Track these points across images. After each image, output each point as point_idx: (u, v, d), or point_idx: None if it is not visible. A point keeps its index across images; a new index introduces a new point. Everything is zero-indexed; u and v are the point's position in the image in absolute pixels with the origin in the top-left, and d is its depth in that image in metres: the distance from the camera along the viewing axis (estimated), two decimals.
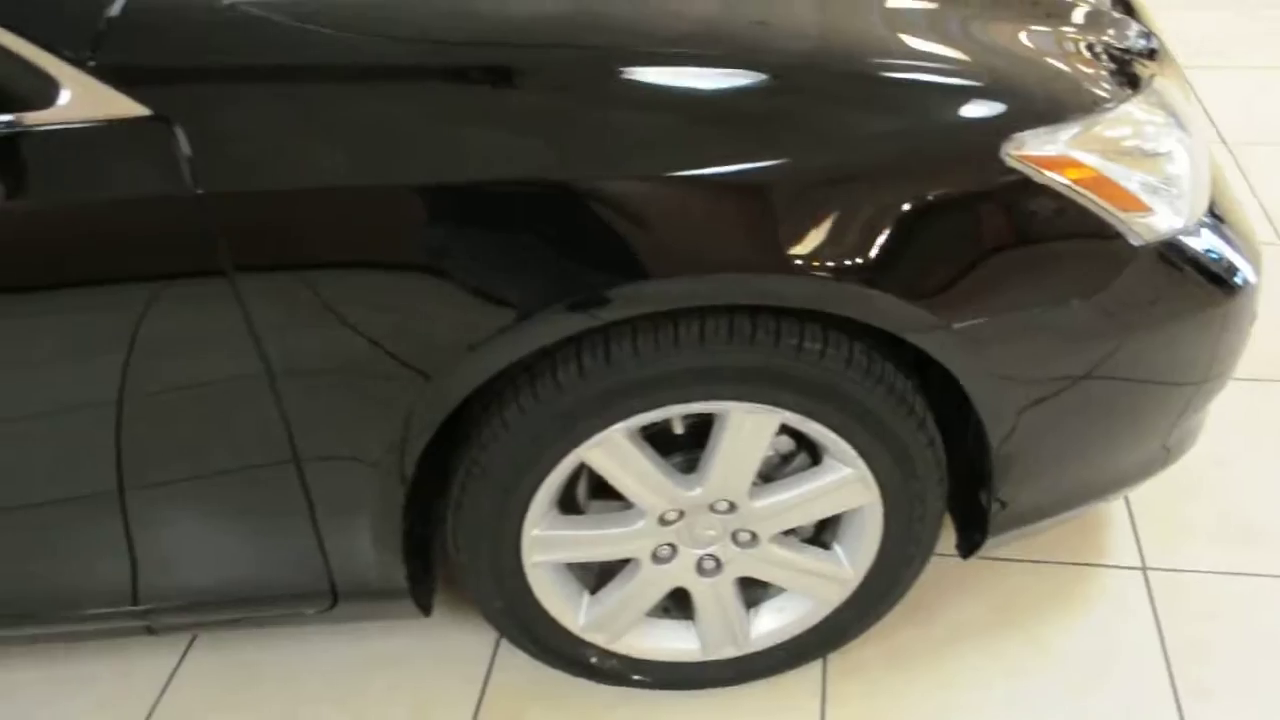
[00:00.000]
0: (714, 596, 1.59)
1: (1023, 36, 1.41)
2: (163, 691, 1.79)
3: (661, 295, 1.26)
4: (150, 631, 1.68)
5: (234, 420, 1.33)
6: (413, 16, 1.27)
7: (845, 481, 1.47)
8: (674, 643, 1.66)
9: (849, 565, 1.58)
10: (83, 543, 1.46)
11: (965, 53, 1.34)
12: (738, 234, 1.24)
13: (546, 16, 1.29)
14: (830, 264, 1.24)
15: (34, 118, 1.18)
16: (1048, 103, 1.30)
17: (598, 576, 1.64)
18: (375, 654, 1.81)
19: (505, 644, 1.79)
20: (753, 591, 1.64)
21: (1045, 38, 1.43)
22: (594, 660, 1.65)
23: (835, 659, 1.74)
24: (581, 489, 1.56)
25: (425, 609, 1.59)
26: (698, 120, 1.24)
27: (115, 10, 1.20)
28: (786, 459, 1.55)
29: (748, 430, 1.41)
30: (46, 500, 1.41)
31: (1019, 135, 1.28)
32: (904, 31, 1.36)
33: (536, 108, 1.22)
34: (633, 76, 1.24)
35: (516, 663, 1.76)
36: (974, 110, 1.28)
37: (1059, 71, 1.35)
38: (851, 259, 1.24)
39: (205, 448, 1.36)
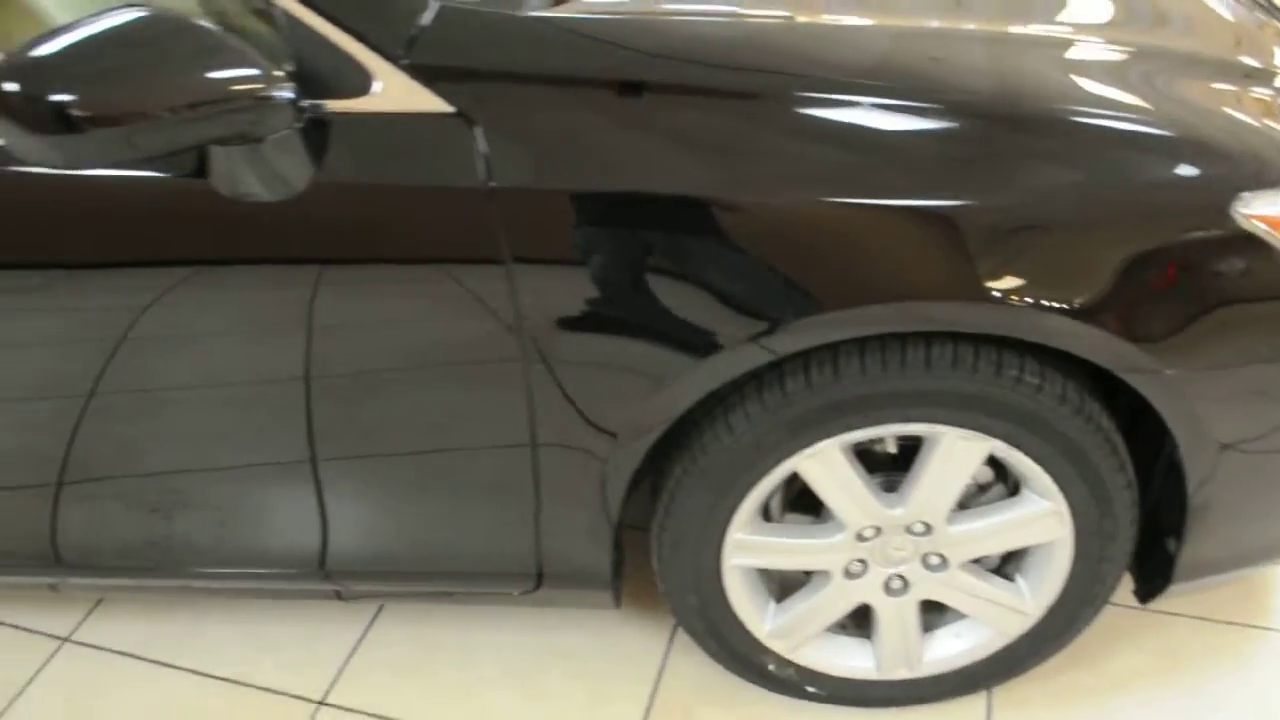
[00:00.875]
0: (896, 616, 1.64)
1: (1232, 96, 1.46)
2: (349, 657, 1.88)
3: (885, 319, 1.33)
4: (339, 597, 1.78)
5: (483, 400, 1.42)
6: (685, 37, 1.37)
7: (1041, 515, 1.52)
8: (850, 659, 1.71)
9: (1031, 599, 1.63)
10: (311, 503, 1.57)
11: (1188, 109, 1.39)
12: (968, 264, 1.30)
13: (769, 45, 1.37)
14: (1053, 299, 1.30)
15: (347, 105, 1.30)
16: (1274, 165, 1.35)
17: (780, 586, 1.70)
18: (551, 645, 1.88)
19: (677, 646, 1.86)
20: (930, 616, 1.69)
21: (1254, 101, 1.48)
22: (771, 668, 1.71)
23: (1000, 692, 1.78)
24: (776, 500, 1.63)
25: (617, 600, 1.66)
26: (930, 151, 1.31)
27: (429, 17, 1.31)
28: (983, 488, 1.60)
29: (957, 455, 1.47)
30: (294, 459, 1.52)
31: (1247, 195, 1.33)
32: (1110, 79, 1.41)
33: (777, 130, 1.30)
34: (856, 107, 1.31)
35: (688, 665, 1.83)
36: (1206, 167, 1.33)
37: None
38: (1075, 296, 1.30)
39: (448, 424, 1.46)
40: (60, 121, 1.15)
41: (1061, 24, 1.54)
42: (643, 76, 1.31)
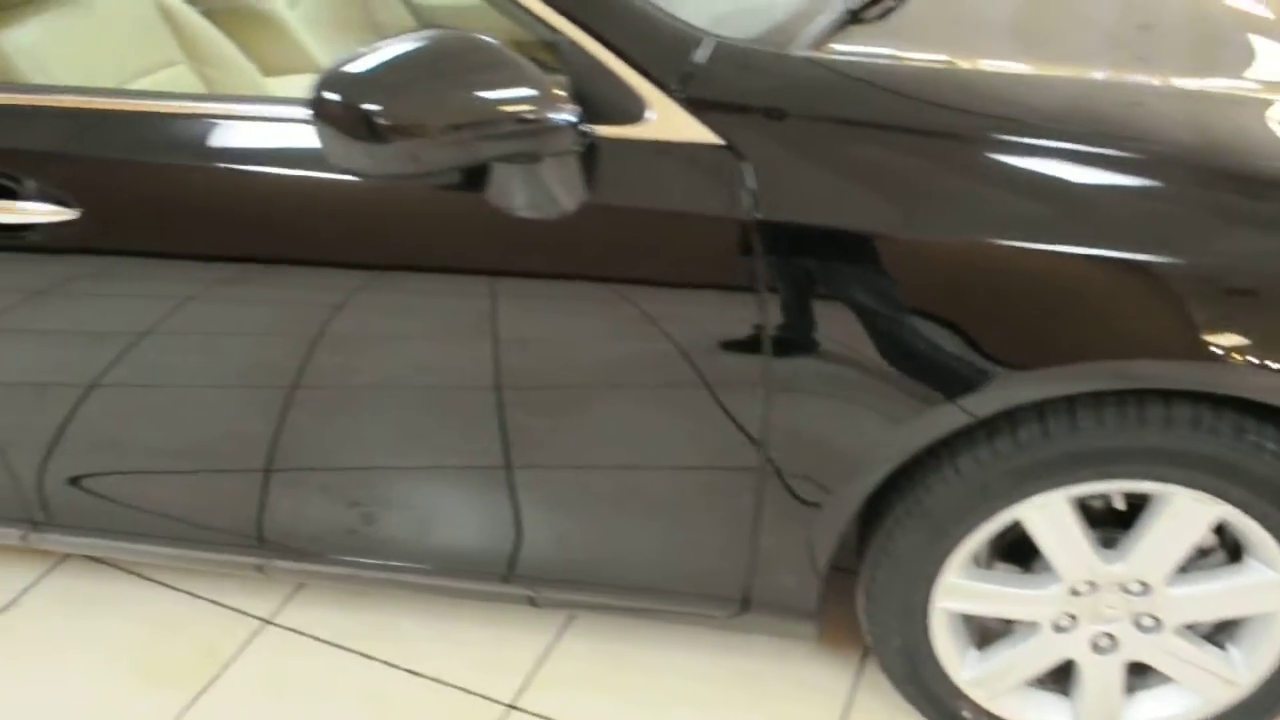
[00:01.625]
0: (1101, 675, 1.63)
1: None
2: (539, 664, 1.93)
3: (1101, 376, 1.33)
4: (532, 603, 1.83)
5: (717, 422, 1.46)
6: (955, 85, 1.40)
7: (1266, 585, 1.50)
8: (1046, 714, 1.70)
9: (1244, 670, 1.60)
10: (521, 508, 1.63)
11: None
12: (1186, 321, 1.29)
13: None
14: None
15: (620, 131, 1.36)
16: None
17: (980, 634, 1.70)
18: (736, 669, 1.91)
19: (864, 683, 1.86)
20: (1133, 677, 1.67)
21: None
22: (966, 715, 1.70)
23: None
24: (986, 546, 1.63)
25: (819, 632, 1.68)
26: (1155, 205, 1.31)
27: (704, 52, 1.37)
28: (1204, 552, 1.58)
29: (1187, 517, 1.45)
30: (517, 464, 1.58)
31: None
32: None
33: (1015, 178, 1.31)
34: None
35: (875, 703, 1.83)
36: None
37: None
38: None
39: (674, 442, 1.50)
40: (369, 129, 1.22)
41: (1252, 79, 1.52)
42: (908, 121, 1.34)
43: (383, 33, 2.56)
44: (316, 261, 1.50)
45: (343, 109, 1.23)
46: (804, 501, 1.49)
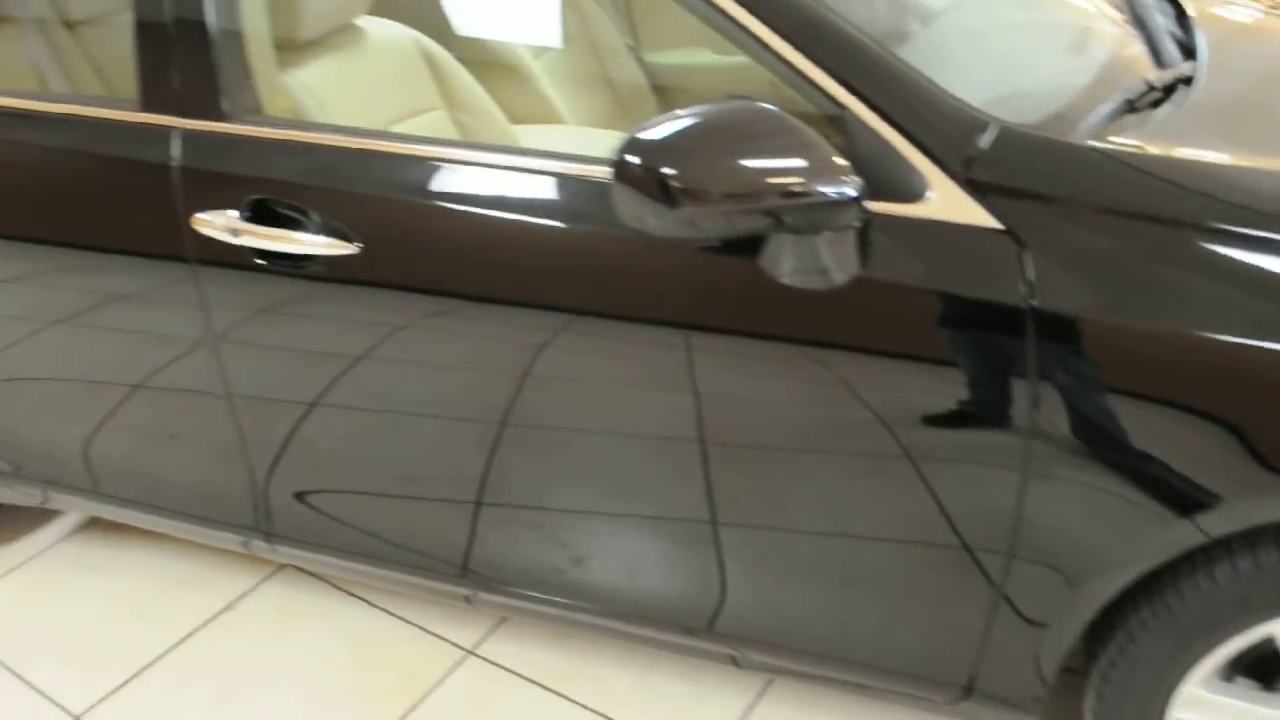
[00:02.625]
0: None
1: None
2: None
3: None
4: (734, 663, 1.83)
5: (970, 500, 1.44)
6: (1237, 181, 1.37)
7: None
8: None
9: None
10: (729, 565, 1.64)
11: None
12: None
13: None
14: None
15: (898, 209, 1.37)
16: None
17: None
18: None
19: None
20: None
21: None
22: None
23: None
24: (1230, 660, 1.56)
25: None
26: None
27: (989, 136, 1.37)
28: None
29: None
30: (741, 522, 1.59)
31: None
32: None
33: None
34: None
35: None
36: None
37: None
38: None
39: (921, 519, 1.49)
40: (663, 192, 1.26)
41: None
42: (1195, 218, 1.31)
43: (617, 90, 2.66)
44: (541, 305, 1.55)
45: (641, 171, 1.26)
46: (1047, 593, 1.46)
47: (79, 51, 2.48)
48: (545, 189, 1.54)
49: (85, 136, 1.76)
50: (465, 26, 2.32)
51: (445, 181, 1.56)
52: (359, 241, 1.58)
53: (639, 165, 1.27)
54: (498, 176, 1.56)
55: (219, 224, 1.64)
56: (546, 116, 2.47)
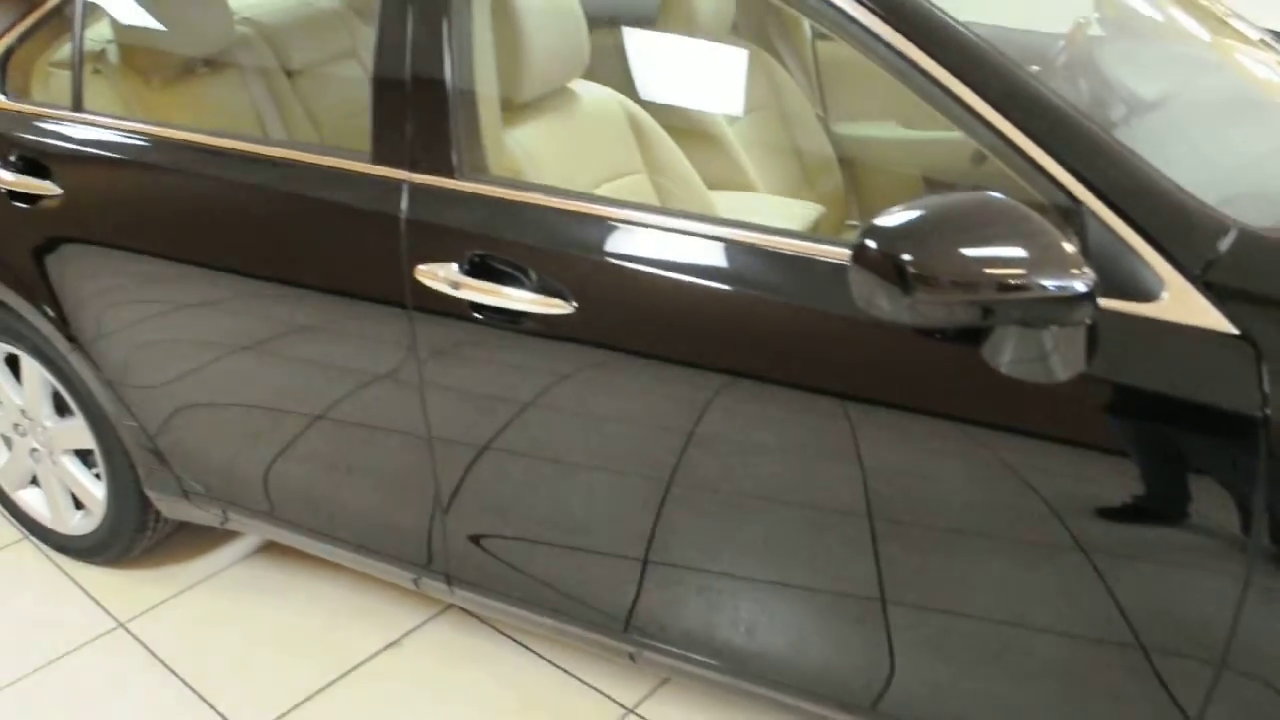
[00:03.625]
0: None
1: None
2: None
3: None
4: None
5: (1180, 607, 1.40)
6: None
7: None
8: None
9: None
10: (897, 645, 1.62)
11: None
12: None
13: None
14: None
15: (1130, 307, 1.34)
16: None
17: None
18: None
19: None
20: None
21: None
22: None
23: None
24: None
25: None
26: None
27: (1229, 240, 1.34)
28: None
29: None
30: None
31: None
32: None
33: None
34: None
35: None
36: None
37: None
38: None
39: (1130, 618, 1.44)
40: (900, 277, 1.26)
41: None
42: None
43: (804, 159, 2.68)
44: (736, 371, 1.56)
45: (878, 256, 1.27)
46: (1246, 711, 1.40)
47: (295, 98, 2.62)
48: (751, 259, 1.55)
49: (317, 183, 1.85)
50: (665, 93, 2.37)
51: (660, 248, 1.59)
52: (574, 301, 1.62)
53: (876, 250, 1.28)
54: (709, 245, 1.58)
55: (440, 276, 1.70)
56: (739, 183, 2.51)
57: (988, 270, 1.28)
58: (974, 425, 1.43)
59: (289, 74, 2.66)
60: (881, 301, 1.30)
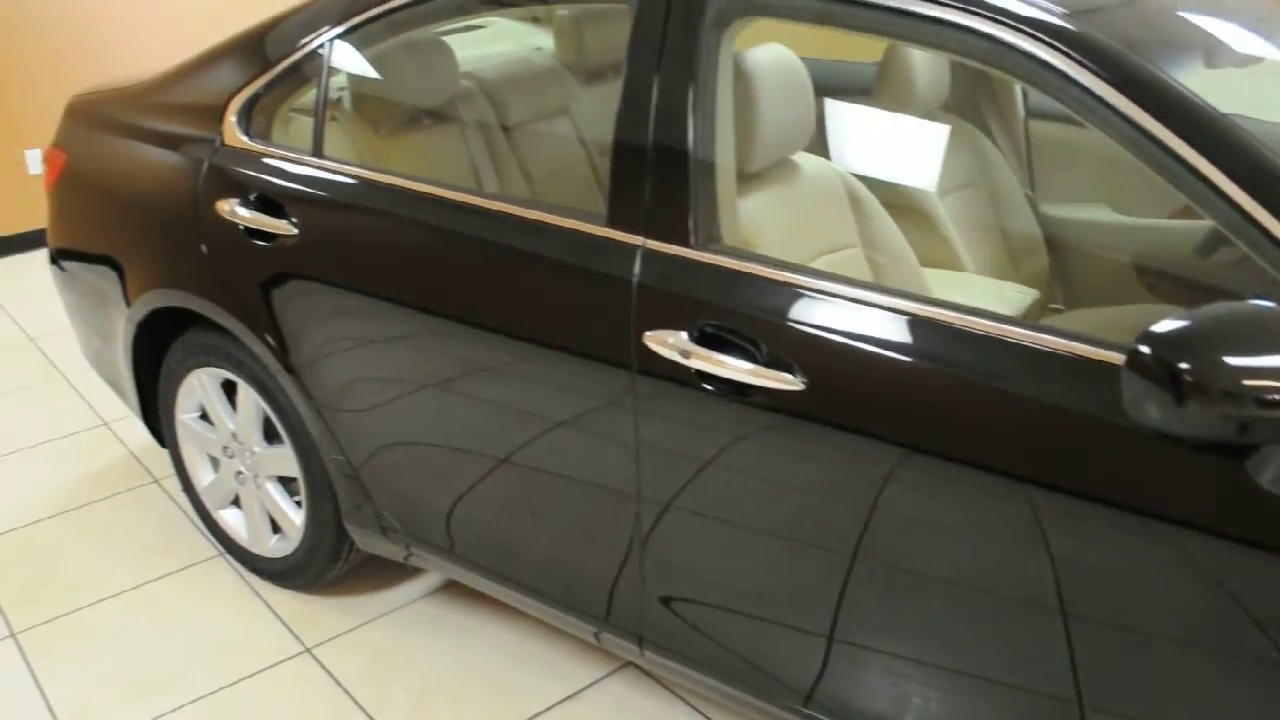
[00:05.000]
0: None
1: None
2: None
3: None
4: None
5: None
6: None
7: None
8: None
9: None
10: None
11: None
12: None
13: None
14: None
15: None
16: None
17: None
18: None
19: None
20: None
21: None
22: None
23: None
24: None
25: None
26: None
27: None
28: None
29: None
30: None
31: None
32: None
33: None
34: None
35: None
36: None
37: None
38: None
39: None
40: (1174, 385, 1.23)
41: None
42: None
43: (1010, 239, 2.63)
44: (944, 454, 1.54)
45: (1152, 362, 1.24)
46: None
47: (510, 152, 2.70)
48: (979, 346, 1.53)
49: (548, 241, 1.89)
50: (879, 166, 2.37)
51: (892, 329, 1.58)
52: (803, 377, 1.62)
53: (1151, 356, 1.24)
54: (938, 329, 1.56)
55: (670, 343, 1.72)
56: (947, 261, 2.48)
57: (1263, 383, 1.23)
58: (1191, 529, 1.38)
59: (505, 128, 2.74)
60: (1151, 409, 1.26)
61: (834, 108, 2.30)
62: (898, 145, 2.43)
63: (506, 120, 2.75)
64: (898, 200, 2.37)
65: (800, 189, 2.10)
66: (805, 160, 2.17)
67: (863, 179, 2.29)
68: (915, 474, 1.58)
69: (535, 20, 3.21)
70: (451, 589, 2.75)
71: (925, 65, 2.53)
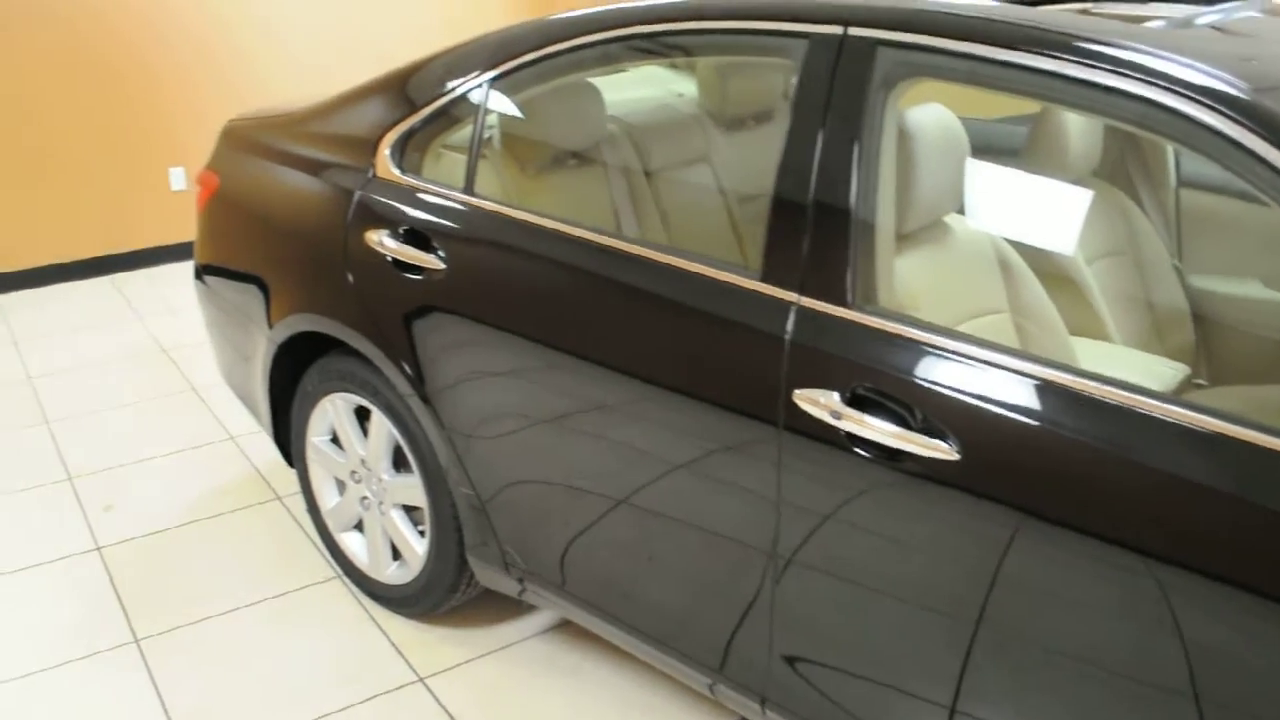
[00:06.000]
0: None
1: None
2: None
3: None
4: None
5: None
6: None
7: None
8: None
9: None
10: None
11: None
12: None
13: None
14: None
15: None
16: None
17: None
18: None
19: None
20: None
21: None
22: None
23: None
24: None
25: None
26: None
27: None
28: None
29: None
30: None
31: None
32: None
33: None
34: None
35: None
36: None
37: None
38: None
39: None
40: None
41: None
42: None
43: (1155, 311, 2.55)
44: (1099, 534, 1.49)
45: None
46: None
47: (650, 196, 2.71)
48: (1139, 426, 1.48)
49: (698, 292, 1.89)
50: (1027, 231, 2.32)
51: (1053, 402, 1.54)
52: (958, 447, 1.59)
53: None
54: (1097, 405, 1.52)
55: (821, 403, 1.70)
56: (1093, 330, 2.42)
57: None
58: None
59: (646, 173, 2.76)
60: None
61: (985, 169, 2.27)
62: (1047, 209, 2.39)
63: (648, 165, 2.77)
64: (1044, 265, 2.32)
65: (951, 250, 2.07)
66: (955, 221, 2.14)
67: (1011, 242, 2.25)
68: (1063, 551, 1.53)
69: (674, 66, 3.24)
70: (564, 629, 2.75)
71: (1079, 129, 2.49)
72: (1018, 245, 2.25)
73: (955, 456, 1.59)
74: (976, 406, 1.59)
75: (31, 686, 2.59)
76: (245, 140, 2.94)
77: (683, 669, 2.18)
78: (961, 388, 1.60)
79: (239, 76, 5.81)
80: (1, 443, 3.84)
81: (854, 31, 1.78)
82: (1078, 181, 2.55)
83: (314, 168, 2.63)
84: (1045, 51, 1.60)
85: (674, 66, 3.24)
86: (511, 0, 6.53)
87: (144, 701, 2.52)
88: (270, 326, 2.74)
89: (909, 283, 1.94)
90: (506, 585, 2.50)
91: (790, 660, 1.95)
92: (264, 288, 2.75)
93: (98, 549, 3.16)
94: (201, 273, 3.06)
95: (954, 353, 1.64)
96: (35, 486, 3.53)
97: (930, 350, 1.65)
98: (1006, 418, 1.56)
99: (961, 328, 2.03)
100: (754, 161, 2.93)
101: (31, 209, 5.42)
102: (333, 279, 2.51)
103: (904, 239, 1.97)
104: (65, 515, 3.35)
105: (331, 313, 2.53)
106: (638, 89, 3.07)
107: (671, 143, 2.85)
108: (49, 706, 2.52)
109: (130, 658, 2.68)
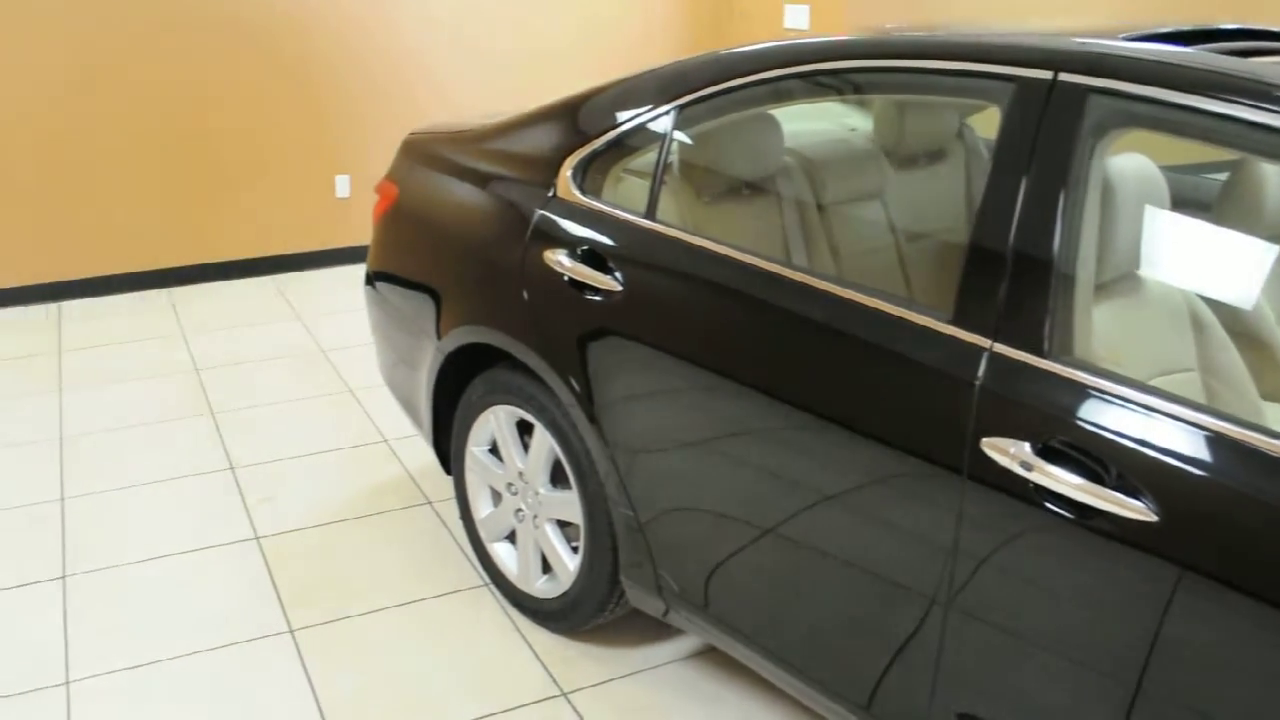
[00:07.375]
0: None
1: None
2: None
3: None
4: None
5: None
6: None
7: None
8: None
9: None
10: None
11: None
12: None
13: None
14: None
15: None
16: None
17: None
18: None
19: None
20: None
21: None
22: None
23: None
24: None
25: None
26: None
27: None
28: None
29: None
30: None
31: None
32: None
33: None
34: None
35: None
36: None
37: None
38: None
39: None
40: None
41: None
42: None
43: None
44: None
45: None
46: None
47: (821, 229, 2.70)
48: None
49: (885, 331, 1.88)
50: (1219, 288, 2.25)
51: (1258, 469, 1.48)
52: (1157, 510, 1.54)
53: None
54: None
55: (1011, 453, 1.67)
56: None
57: None
58: None
59: (819, 206, 2.76)
60: None
61: (1180, 221, 2.21)
62: (1240, 265, 2.31)
63: (822, 198, 2.76)
64: (1235, 324, 2.24)
65: (1143, 304, 2.02)
66: (1148, 273, 2.08)
67: (1203, 298, 2.18)
68: (1261, 627, 1.47)
69: (848, 100, 3.22)
70: (709, 656, 2.74)
71: (1277, 183, 2.40)
72: (1210, 302, 2.18)
73: (1154, 518, 1.54)
74: (1178, 467, 1.54)
75: (193, 665, 2.69)
76: (425, 153, 3.03)
77: (830, 705, 2.16)
78: (1163, 446, 1.56)
79: (406, 91, 5.98)
80: (172, 430, 4.01)
81: (1064, 77, 1.75)
82: (1273, 239, 2.46)
83: (494, 184, 2.69)
84: (1268, 107, 1.55)
85: (847, 101, 3.23)
86: (687, 26, 6.59)
87: (297, 691, 2.60)
88: (440, 336, 2.81)
89: (1104, 335, 1.89)
90: (654, 606, 2.51)
91: (963, 717, 1.91)
92: (436, 298, 2.82)
93: (256, 538, 3.27)
94: (373, 279, 3.16)
95: (1154, 409, 1.59)
96: (200, 474, 3.68)
97: (1129, 405, 1.61)
98: (1208, 480, 1.51)
99: (1154, 381, 1.98)
100: (928, 200, 2.90)
101: (206, 210, 5.66)
102: (507, 294, 2.56)
103: (1099, 289, 1.93)
104: (228, 504, 3.48)
105: (504, 326, 2.58)
106: (810, 121, 3.06)
107: (846, 177, 2.84)
108: (209, 687, 2.62)
109: (285, 646, 2.76)
